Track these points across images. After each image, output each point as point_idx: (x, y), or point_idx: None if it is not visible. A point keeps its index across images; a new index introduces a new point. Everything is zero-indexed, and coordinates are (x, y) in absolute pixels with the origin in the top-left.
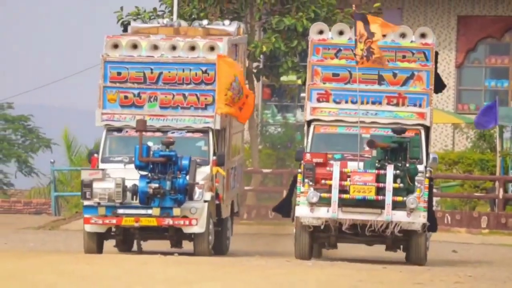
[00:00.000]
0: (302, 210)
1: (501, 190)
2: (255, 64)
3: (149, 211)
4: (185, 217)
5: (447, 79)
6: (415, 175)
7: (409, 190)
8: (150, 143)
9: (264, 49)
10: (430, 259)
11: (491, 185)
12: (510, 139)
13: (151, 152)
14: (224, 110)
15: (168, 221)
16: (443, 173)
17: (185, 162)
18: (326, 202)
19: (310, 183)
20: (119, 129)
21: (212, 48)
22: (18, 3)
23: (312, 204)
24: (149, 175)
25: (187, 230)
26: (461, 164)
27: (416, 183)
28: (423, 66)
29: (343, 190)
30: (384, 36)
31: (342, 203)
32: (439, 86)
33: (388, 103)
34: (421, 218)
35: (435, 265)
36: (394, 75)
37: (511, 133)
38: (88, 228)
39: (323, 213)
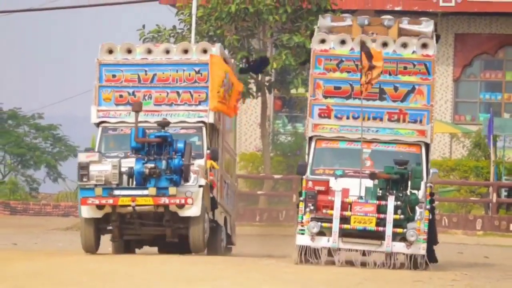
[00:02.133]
0: (303, 239)
1: (495, 195)
2: (267, 78)
3: (145, 192)
4: (187, 197)
5: (445, 92)
6: (415, 205)
7: (409, 220)
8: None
9: (275, 66)
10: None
11: (485, 190)
12: (503, 147)
13: (147, 134)
14: (217, 107)
15: (164, 200)
16: (442, 179)
17: (180, 144)
18: (327, 230)
19: (312, 210)
20: (114, 127)
21: (205, 51)
22: (48, 19)
23: (313, 234)
24: (145, 157)
25: (183, 213)
26: (458, 171)
27: (417, 212)
28: (423, 80)
29: (344, 219)
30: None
31: (343, 233)
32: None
33: (389, 119)
34: (420, 250)
35: (434, 264)
36: (395, 88)
37: (504, 142)
38: (85, 212)
39: (324, 242)
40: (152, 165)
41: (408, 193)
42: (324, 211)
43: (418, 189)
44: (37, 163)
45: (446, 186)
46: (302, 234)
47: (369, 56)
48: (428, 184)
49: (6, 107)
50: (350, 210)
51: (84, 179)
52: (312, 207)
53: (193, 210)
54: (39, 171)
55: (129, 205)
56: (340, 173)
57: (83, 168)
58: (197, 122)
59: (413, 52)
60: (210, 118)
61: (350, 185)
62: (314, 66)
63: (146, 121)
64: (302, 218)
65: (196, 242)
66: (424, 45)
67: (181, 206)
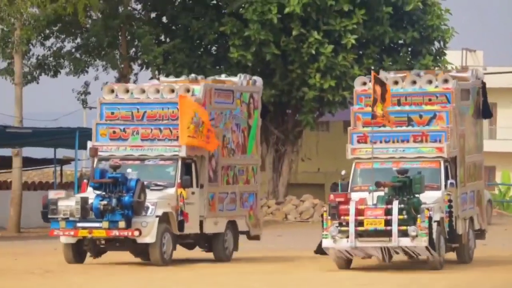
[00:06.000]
0: (327, 242)
1: None
2: None
3: (100, 224)
4: (137, 229)
5: None
6: (418, 206)
7: (415, 220)
8: (129, 170)
9: None
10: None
11: None
12: None
13: (105, 175)
14: (186, 142)
15: (115, 233)
16: None
17: (132, 183)
18: (346, 234)
19: (334, 219)
20: (107, 158)
21: (187, 90)
22: None
23: (334, 237)
24: (103, 194)
25: (140, 240)
26: None
27: (420, 212)
28: (443, 107)
29: (359, 223)
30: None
31: (358, 234)
32: (487, 113)
33: (414, 141)
34: (422, 242)
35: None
36: (420, 116)
37: None
38: (63, 239)
39: (343, 243)
40: (105, 202)
41: (411, 197)
42: (342, 218)
43: (419, 193)
44: None
45: None
46: (326, 238)
47: (383, 90)
48: (445, 193)
49: None
50: (363, 215)
51: (54, 213)
52: (333, 216)
53: (148, 238)
54: None
55: (86, 237)
56: (373, 189)
57: (53, 203)
58: (172, 155)
59: (436, 86)
60: (182, 153)
61: (367, 196)
62: (356, 103)
63: (131, 155)
64: (326, 225)
65: (154, 260)
66: (445, 81)
67: (137, 235)
